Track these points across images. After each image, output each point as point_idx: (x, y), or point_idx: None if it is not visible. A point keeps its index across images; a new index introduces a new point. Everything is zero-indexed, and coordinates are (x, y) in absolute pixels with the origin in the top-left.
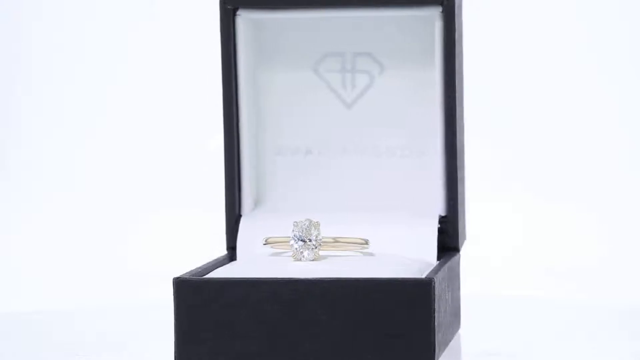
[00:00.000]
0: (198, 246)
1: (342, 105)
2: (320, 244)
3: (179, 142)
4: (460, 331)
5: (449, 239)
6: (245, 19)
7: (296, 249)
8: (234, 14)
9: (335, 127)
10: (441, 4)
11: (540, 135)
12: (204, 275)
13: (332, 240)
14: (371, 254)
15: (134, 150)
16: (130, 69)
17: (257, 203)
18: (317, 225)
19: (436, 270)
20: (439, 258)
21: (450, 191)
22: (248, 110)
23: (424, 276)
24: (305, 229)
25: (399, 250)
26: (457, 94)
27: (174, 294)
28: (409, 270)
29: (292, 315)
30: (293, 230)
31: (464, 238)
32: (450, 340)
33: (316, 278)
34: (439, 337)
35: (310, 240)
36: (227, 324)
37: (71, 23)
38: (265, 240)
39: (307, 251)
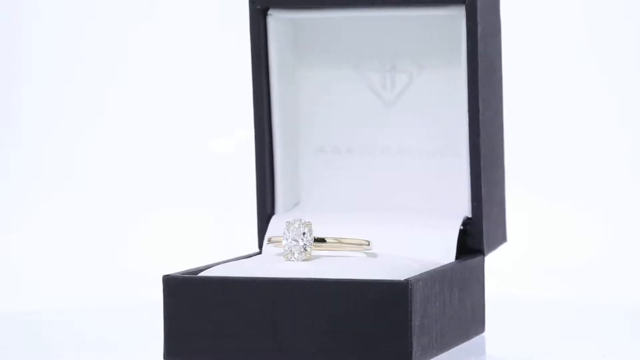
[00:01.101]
0: (234, 245)
1: (382, 104)
2: (310, 245)
3: (208, 142)
4: (485, 334)
5: (473, 241)
6: (277, 19)
7: (287, 249)
8: (265, 14)
9: (374, 126)
10: (463, 2)
11: (540, 135)
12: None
13: (335, 241)
14: (374, 255)
15: (158, 150)
16: (158, 70)
17: (290, 202)
18: (308, 225)
19: (430, 272)
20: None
21: (475, 193)
22: (282, 109)
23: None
24: (296, 230)
25: (416, 251)
26: (481, 94)
27: (162, 291)
28: (405, 272)
29: (265, 314)
30: (285, 231)
31: (502, 240)
32: (456, 344)
33: (289, 278)
34: (423, 341)
35: (301, 241)
36: (206, 320)
37: (76, 23)
38: (268, 240)
39: (297, 251)
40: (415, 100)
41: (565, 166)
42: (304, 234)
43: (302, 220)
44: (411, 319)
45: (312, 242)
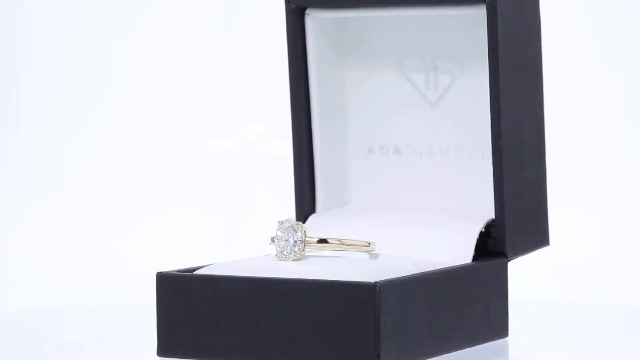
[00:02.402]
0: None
1: (426, 104)
2: (300, 244)
3: (243, 142)
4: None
5: (495, 244)
6: (314, 18)
7: (278, 248)
8: (303, 14)
9: (418, 126)
10: (484, 2)
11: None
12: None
13: (337, 242)
14: (375, 256)
15: (181, 151)
16: (192, 71)
17: (331, 202)
18: (298, 226)
19: (413, 276)
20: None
21: (497, 194)
22: (321, 108)
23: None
24: (287, 229)
25: (432, 252)
26: (504, 94)
27: (155, 288)
28: (393, 273)
29: (245, 312)
30: (276, 230)
31: (541, 244)
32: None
33: (264, 278)
34: (400, 344)
35: (292, 240)
36: (196, 318)
37: (78, 22)
38: (271, 240)
39: (286, 251)
40: (457, 100)
41: (565, 166)
42: (295, 233)
43: (294, 220)
44: (379, 322)
45: (302, 241)
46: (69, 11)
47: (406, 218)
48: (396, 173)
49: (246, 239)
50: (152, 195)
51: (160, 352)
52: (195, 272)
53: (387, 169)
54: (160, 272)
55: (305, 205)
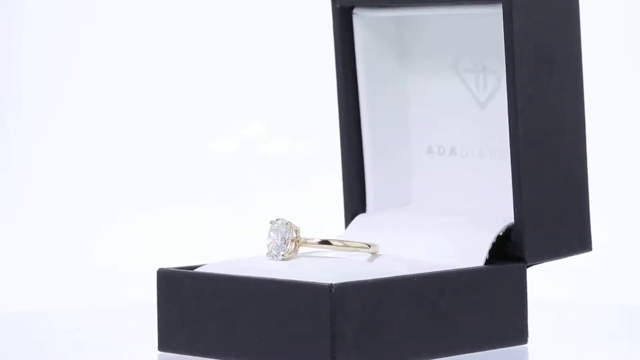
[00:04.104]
0: None
1: (477, 105)
2: (289, 243)
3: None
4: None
5: (514, 249)
6: (362, 17)
7: (269, 248)
8: (350, 13)
9: (469, 127)
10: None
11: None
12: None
13: (340, 243)
14: (374, 257)
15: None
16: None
17: (380, 202)
18: (289, 225)
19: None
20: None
21: (516, 197)
22: (369, 108)
23: None
24: (275, 229)
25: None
26: (524, 94)
27: (156, 285)
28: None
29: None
30: (269, 230)
31: (580, 249)
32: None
33: (243, 277)
34: (366, 347)
35: (281, 240)
36: (193, 314)
37: (81, 22)
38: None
39: (275, 250)
40: (504, 102)
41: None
42: (285, 232)
43: (284, 220)
44: (335, 324)
45: (293, 241)
46: (68, 11)
47: (434, 220)
48: (449, 174)
49: (246, 239)
50: (153, 195)
51: (161, 347)
52: (197, 270)
53: (442, 170)
54: (161, 269)
55: (355, 205)
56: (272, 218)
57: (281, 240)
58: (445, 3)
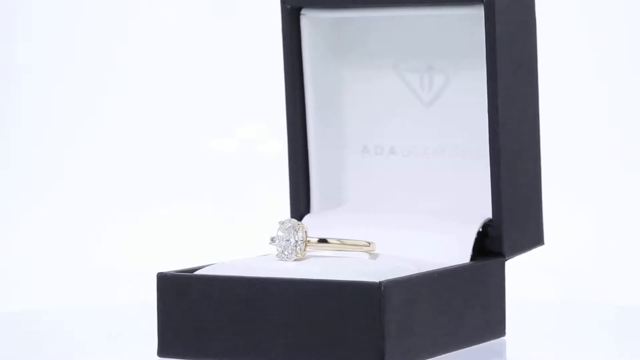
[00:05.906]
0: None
1: (421, 104)
2: (301, 244)
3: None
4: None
5: (493, 244)
6: (310, 19)
7: (279, 248)
8: (298, 14)
9: (412, 127)
10: (482, 2)
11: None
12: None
13: (337, 242)
14: (375, 256)
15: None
16: (192, 71)
17: (326, 202)
18: (299, 226)
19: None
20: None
21: (495, 194)
22: (317, 108)
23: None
24: (287, 229)
25: (430, 253)
26: (502, 94)
27: (156, 289)
28: (394, 273)
29: (245, 312)
30: (277, 230)
31: (536, 243)
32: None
33: (263, 277)
34: (405, 344)
35: (293, 240)
36: (196, 318)
37: (78, 21)
38: (271, 240)
39: (287, 251)
40: (452, 101)
41: (564, 166)
42: (296, 233)
43: (294, 220)
44: (384, 321)
45: (303, 241)
46: (68, 11)
47: (402, 218)
48: (391, 173)
49: (245, 239)
50: (153, 195)
51: (161, 352)
52: (196, 273)
53: (382, 169)
54: (160, 273)
55: (301, 205)
56: (282, 219)
57: (293, 240)
58: (394, 5)
